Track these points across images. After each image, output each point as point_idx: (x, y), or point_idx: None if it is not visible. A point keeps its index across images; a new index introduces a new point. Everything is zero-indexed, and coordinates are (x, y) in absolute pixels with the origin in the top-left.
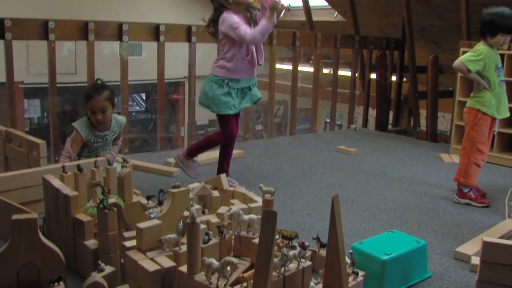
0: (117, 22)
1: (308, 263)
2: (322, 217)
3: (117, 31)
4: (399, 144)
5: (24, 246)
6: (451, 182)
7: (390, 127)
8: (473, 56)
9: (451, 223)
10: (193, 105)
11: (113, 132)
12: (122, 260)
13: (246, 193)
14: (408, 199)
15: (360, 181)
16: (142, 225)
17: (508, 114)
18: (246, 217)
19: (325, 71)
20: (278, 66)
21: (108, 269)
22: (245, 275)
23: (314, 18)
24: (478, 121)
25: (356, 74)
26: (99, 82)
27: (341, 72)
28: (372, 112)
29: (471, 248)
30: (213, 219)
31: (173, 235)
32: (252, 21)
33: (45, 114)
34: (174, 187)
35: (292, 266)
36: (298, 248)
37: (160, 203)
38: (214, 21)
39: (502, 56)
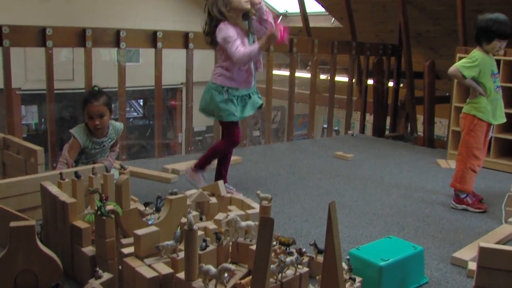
0: (114, 29)
1: (305, 269)
2: (319, 223)
3: (115, 38)
4: (396, 150)
5: (22, 253)
6: (448, 187)
7: (387, 132)
8: (468, 63)
9: (448, 229)
10: (190, 111)
11: (110, 139)
12: (120, 267)
13: (243, 200)
14: (405, 205)
15: (357, 187)
16: (139, 232)
17: (504, 120)
18: (243, 223)
19: (322, 77)
20: (275, 72)
21: (106, 276)
22: (243, 281)
23: (311, 24)
24: (474, 126)
25: (353, 80)
26: (96, 88)
27: (338, 78)
28: (369, 118)
29: (468, 254)
30: (211, 225)
31: (170, 242)
32: (250, 32)
33: (43, 120)
34: (171, 193)
35: (289, 272)
36: (295, 254)
37: (157, 210)
38: (212, 33)
39: (498, 62)
